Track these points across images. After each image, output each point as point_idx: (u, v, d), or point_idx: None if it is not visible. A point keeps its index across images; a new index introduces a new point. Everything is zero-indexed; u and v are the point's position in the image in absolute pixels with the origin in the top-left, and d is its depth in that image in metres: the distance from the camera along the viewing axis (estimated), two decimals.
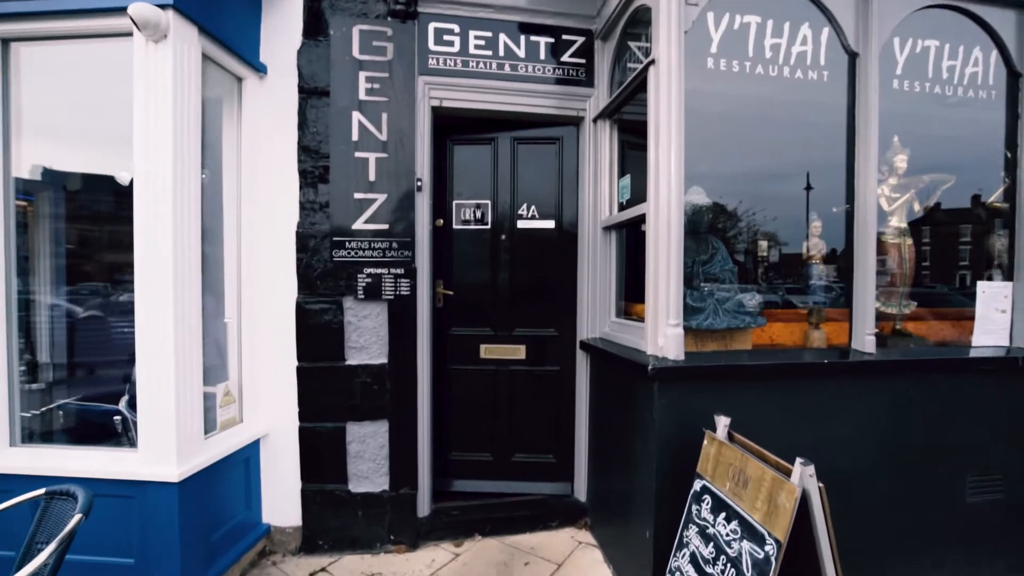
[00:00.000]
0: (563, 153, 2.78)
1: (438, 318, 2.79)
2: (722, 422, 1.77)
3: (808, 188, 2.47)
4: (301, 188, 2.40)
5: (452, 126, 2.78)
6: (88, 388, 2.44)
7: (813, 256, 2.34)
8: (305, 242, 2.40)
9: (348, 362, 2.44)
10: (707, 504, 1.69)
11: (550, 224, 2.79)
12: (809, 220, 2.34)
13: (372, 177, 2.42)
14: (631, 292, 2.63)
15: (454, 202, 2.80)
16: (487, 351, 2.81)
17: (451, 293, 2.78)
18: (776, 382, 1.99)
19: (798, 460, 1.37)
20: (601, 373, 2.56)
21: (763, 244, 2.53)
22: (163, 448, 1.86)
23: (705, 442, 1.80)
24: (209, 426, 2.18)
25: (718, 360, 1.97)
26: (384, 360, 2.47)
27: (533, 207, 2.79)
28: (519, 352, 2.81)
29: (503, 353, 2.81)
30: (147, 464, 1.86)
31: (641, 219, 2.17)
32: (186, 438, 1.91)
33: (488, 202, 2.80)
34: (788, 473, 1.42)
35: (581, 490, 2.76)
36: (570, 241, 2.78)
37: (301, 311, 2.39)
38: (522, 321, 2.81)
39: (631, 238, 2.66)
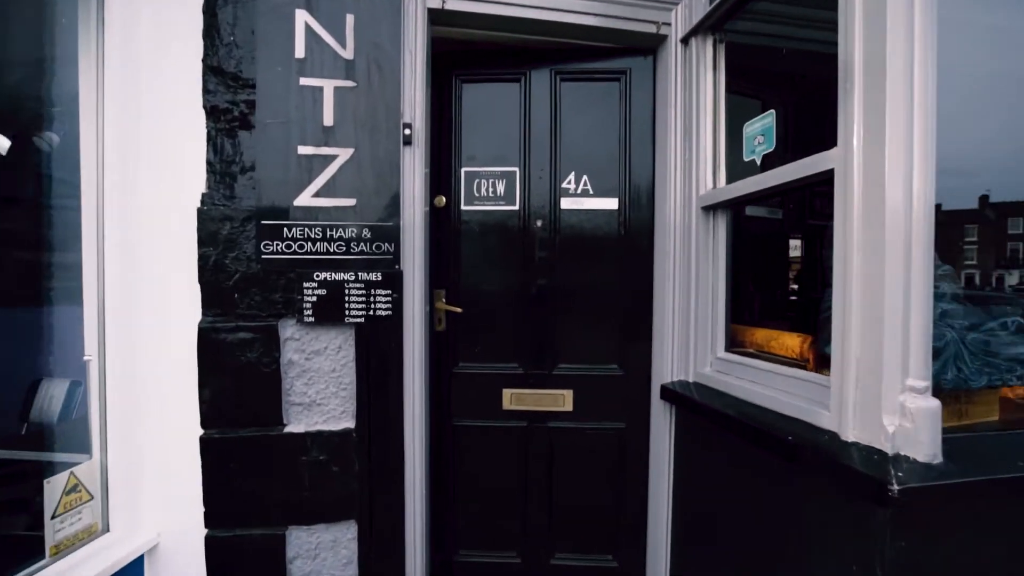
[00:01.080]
0: (631, 94, 1.81)
1: (438, 348, 1.82)
2: None
3: None
4: (210, 138, 1.44)
5: (461, 53, 1.82)
6: None
7: None
8: (214, 228, 1.43)
9: (289, 428, 1.47)
10: None
11: (611, 203, 1.82)
12: None
13: (328, 120, 1.45)
14: (740, 310, 1.67)
15: (463, 170, 1.83)
16: (514, 399, 1.84)
17: (458, 310, 1.81)
18: None
19: None
20: (701, 441, 1.59)
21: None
22: None
23: None
24: (27, 551, 1.23)
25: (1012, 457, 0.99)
26: (350, 423, 1.50)
27: (585, 178, 1.82)
28: (563, 400, 1.84)
29: (538, 402, 1.84)
30: None
31: (804, 185, 1.21)
32: None
33: (515, 170, 1.83)
34: None
35: None
36: (643, 228, 1.81)
37: (207, 344, 1.42)
38: (568, 353, 1.84)
39: (739, 224, 1.70)
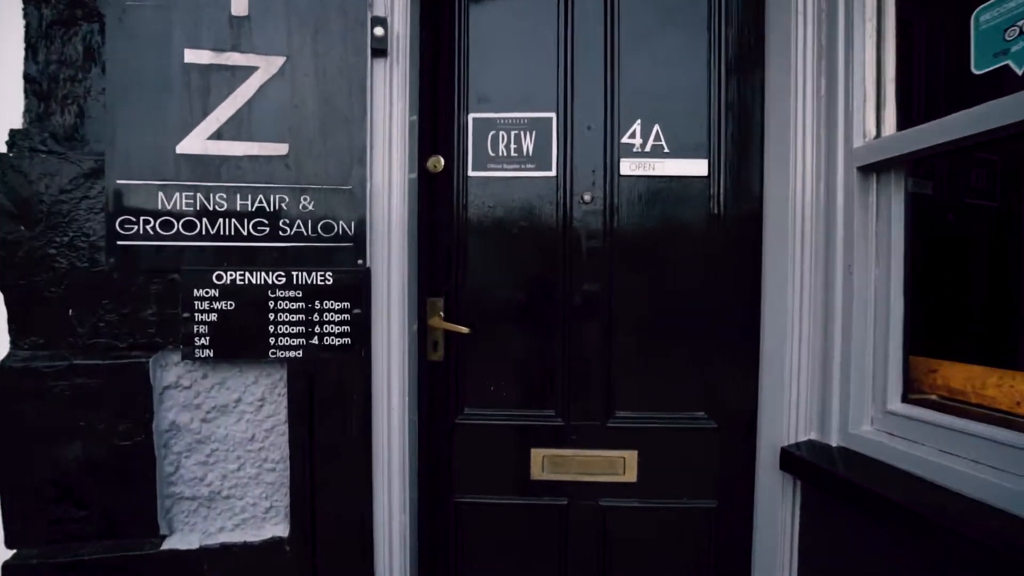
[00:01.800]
0: (724, 4, 1.20)
1: (433, 388, 1.20)
2: None
3: None
4: (30, 36, 0.82)
5: None
6: None
7: None
8: (29, 190, 0.81)
9: (171, 542, 0.85)
10: None
11: (698, 166, 1.20)
12: None
13: (241, 7, 0.84)
14: (927, 333, 1.05)
15: (471, 116, 1.21)
16: (548, 463, 1.22)
17: (464, 330, 1.18)
18: None
19: None
20: (855, 546, 0.97)
21: None
22: None
23: None
24: None
25: None
26: (279, 528, 0.88)
27: (657, 128, 1.20)
28: (622, 466, 1.21)
29: (585, 469, 1.21)
30: None
31: None
32: None
33: (551, 116, 1.20)
34: None
35: None
36: (748, 204, 1.19)
37: (16, 397, 0.81)
38: (630, 394, 1.22)
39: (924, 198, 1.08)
